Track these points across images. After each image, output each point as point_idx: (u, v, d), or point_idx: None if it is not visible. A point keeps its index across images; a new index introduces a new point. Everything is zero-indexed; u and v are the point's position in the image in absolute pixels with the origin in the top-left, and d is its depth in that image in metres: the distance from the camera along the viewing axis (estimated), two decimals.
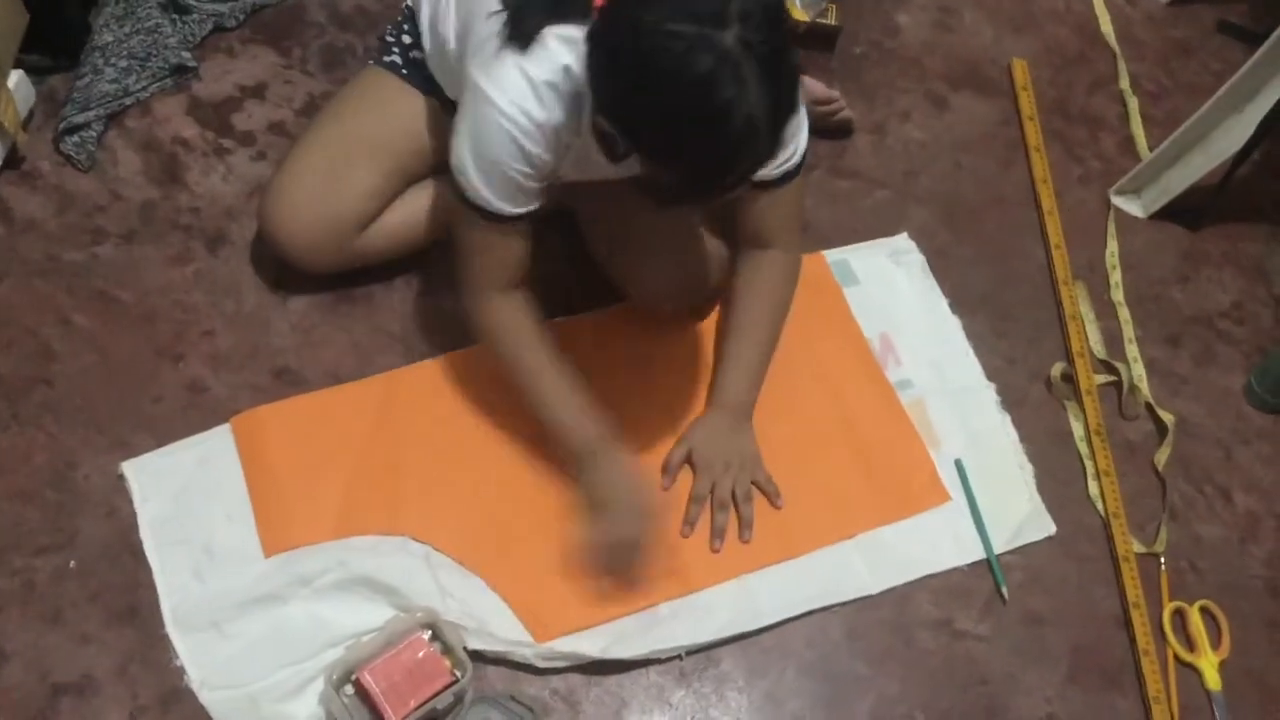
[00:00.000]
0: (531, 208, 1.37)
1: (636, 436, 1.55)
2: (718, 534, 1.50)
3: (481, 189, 1.34)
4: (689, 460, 1.54)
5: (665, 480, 1.54)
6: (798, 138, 1.44)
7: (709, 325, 1.66)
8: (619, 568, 1.46)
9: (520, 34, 1.29)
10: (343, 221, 1.54)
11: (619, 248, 1.59)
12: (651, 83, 1.16)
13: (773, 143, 1.20)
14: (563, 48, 1.28)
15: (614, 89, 1.20)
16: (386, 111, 1.58)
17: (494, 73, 1.29)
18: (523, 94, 1.28)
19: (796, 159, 1.46)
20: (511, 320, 1.46)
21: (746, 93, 1.14)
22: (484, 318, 1.46)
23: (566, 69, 1.28)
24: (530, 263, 1.44)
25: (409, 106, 1.58)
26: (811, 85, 1.84)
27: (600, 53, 1.21)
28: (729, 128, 1.15)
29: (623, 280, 1.61)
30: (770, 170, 1.43)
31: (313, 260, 1.57)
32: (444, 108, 1.58)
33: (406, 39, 1.59)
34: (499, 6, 1.32)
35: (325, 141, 1.57)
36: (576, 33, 1.26)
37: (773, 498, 1.54)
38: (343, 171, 1.54)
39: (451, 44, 1.46)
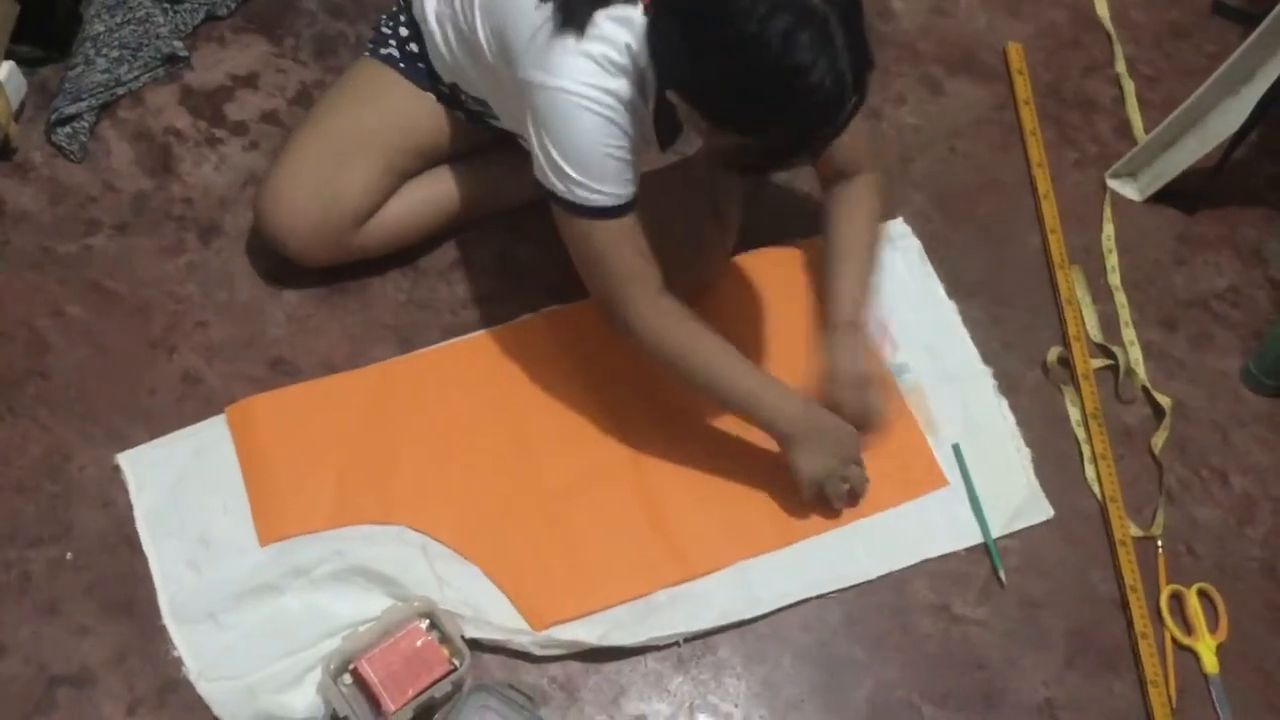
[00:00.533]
0: (637, 185, 1.35)
1: (633, 421, 1.55)
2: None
3: (591, 184, 1.30)
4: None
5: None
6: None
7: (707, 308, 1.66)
8: (834, 487, 1.50)
9: (573, 21, 1.27)
10: (341, 217, 1.54)
11: None
12: (739, 50, 1.16)
13: (860, 91, 1.21)
14: (617, 27, 1.27)
15: (695, 61, 1.19)
16: (384, 105, 1.57)
17: (553, 64, 1.27)
18: (591, 72, 1.26)
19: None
20: (675, 313, 1.41)
21: (835, 51, 1.15)
22: (651, 323, 1.40)
23: (627, 46, 1.27)
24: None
25: (407, 100, 1.57)
26: None
27: (674, 22, 1.20)
28: (823, 89, 1.16)
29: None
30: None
31: (310, 255, 1.57)
32: (442, 101, 1.58)
33: (404, 31, 1.58)
34: (529, 5, 1.30)
35: (322, 136, 1.56)
36: (629, 11, 1.26)
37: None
38: (341, 168, 1.53)
39: (484, 47, 1.42)
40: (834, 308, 1.54)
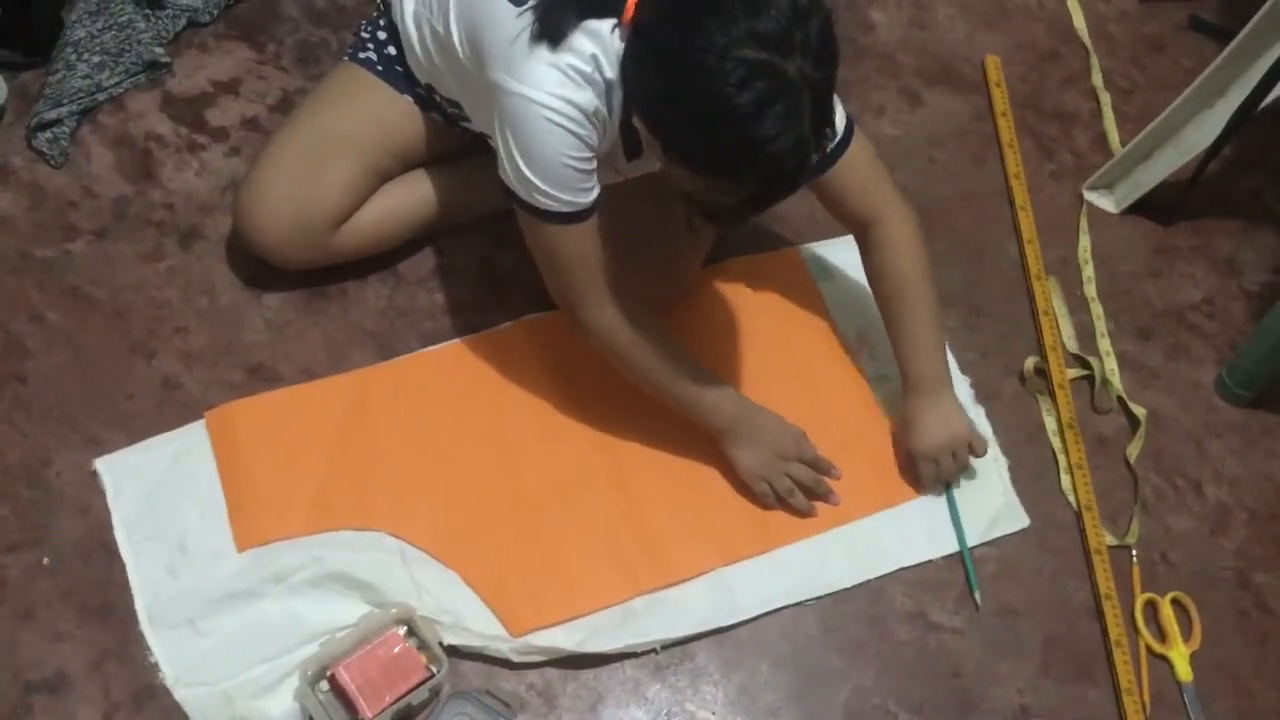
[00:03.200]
0: (598, 192, 1.36)
1: (613, 428, 1.56)
2: None
3: (551, 191, 1.32)
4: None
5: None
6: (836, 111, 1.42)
7: (682, 316, 1.67)
8: (780, 483, 1.53)
9: (552, 33, 1.28)
10: (319, 218, 1.54)
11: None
12: (707, 103, 1.16)
13: (818, 149, 1.23)
14: (587, 39, 1.27)
15: (663, 99, 1.21)
16: (362, 108, 1.57)
17: (523, 71, 1.28)
18: (558, 82, 1.27)
19: (842, 123, 1.44)
20: (624, 314, 1.44)
21: (803, 124, 1.16)
22: (601, 324, 1.44)
23: (594, 57, 1.27)
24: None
25: (385, 103, 1.58)
26: None
27: (649, 56, 1.22)
28: (785, 159, 1.18)
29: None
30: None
31: (288, 257, 1.57)
32: (420, 104, 1.58)
33: (382, 35, 1.59)
34: (509, 13, 1.31)
35: (300, 138, 1.56)
36: (600, 24, 1.27)
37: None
38: (318, 168, 1.54)
39: (458, 49, 1.43)
40: (908, 369, 1.55)
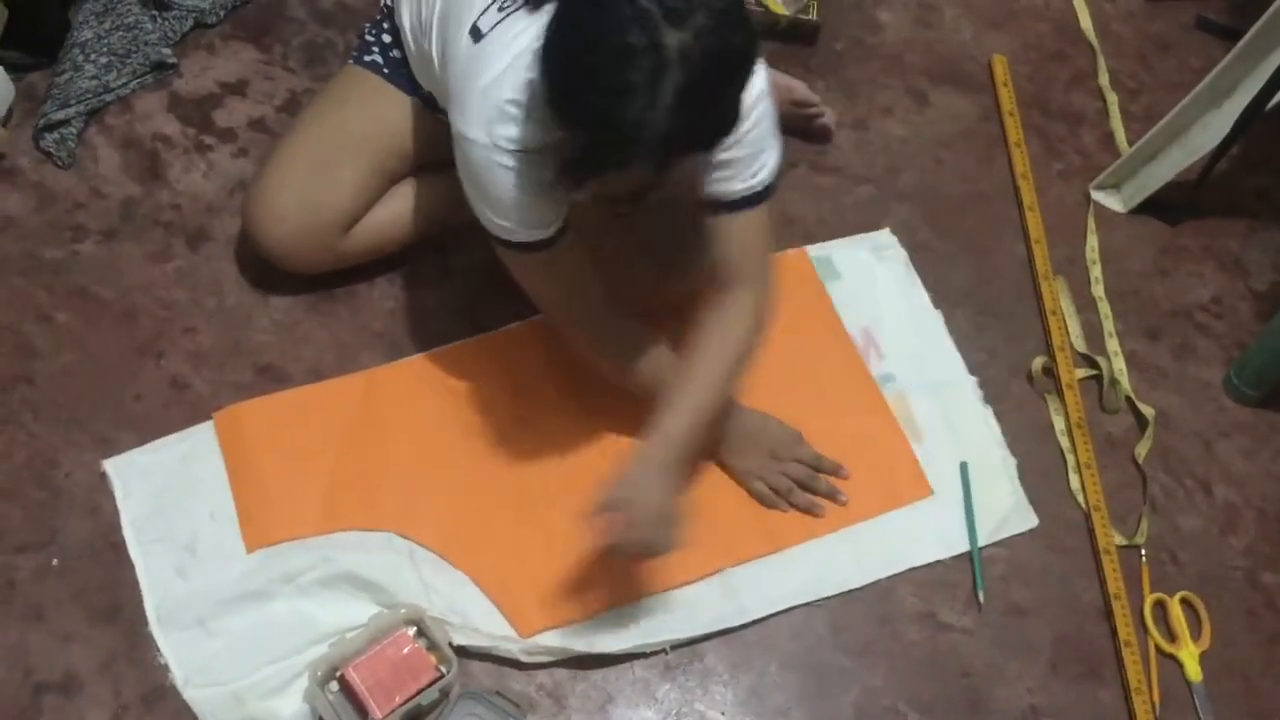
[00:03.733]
0: (560, 224, 1.35)
1: (622, 428, 1.56)
2: None
3: (507, 224, 1.32)
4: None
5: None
6: (762, 158, 1.36)
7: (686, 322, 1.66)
8: (777, 482, 1.53)
9: (490, 65, 1.27)
10: (327, 222, 1.54)
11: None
12: (582, 40, 1.14)
13: (662, 157, 1.16)
14: (525, 69, 1.25)
15: (551, 33, 1.18)
16: (369, 111, 1.57)
17: (463, 108, 1.29)
18: (490, 118, 1.26)
19: (763, 177, 1.38)
20: (613, 333, 1.46)
21: (656, 92, 1.11)
22: (583, 343, 1.48)
23: (529, 83, 1.25)
24: (597, 274, 1.43)
25: (391, 106, 1.58)
26: (794, 86, 1.84)
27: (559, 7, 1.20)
28: (624, 121, 1.13)
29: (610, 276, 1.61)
30: (732, 186, 1.37)
31: (297, 260, 1.57)
32: (426, 107, 1.58)
33: (386, 38, 1.59)
34: (465, 46, 1.31)
35: (308, 141, 1.56)
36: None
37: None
38: (326, 171, 1.54)
39: (435, 62, 1.44)
40: (660, 416, 1.38)
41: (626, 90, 1.11)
